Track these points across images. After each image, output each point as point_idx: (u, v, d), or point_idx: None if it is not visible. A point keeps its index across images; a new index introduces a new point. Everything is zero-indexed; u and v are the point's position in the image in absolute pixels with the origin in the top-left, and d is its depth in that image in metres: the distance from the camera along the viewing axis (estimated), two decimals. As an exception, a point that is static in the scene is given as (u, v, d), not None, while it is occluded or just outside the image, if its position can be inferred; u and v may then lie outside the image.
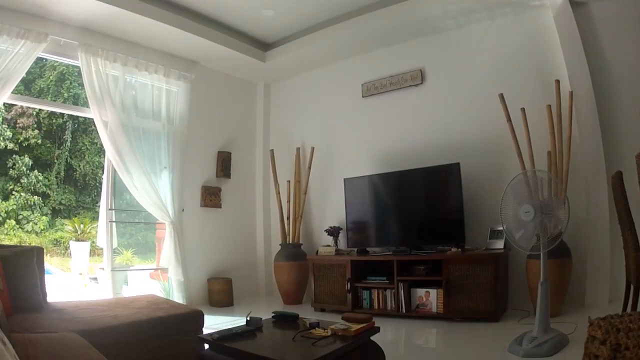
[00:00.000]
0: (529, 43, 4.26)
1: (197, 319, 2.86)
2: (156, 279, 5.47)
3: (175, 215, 4.90)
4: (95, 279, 7.13)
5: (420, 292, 4.22)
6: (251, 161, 6.05)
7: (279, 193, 5.51)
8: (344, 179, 4.93)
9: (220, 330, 2.38)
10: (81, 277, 7.65)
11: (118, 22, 4.29)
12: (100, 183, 9.75)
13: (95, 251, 9.04)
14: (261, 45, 5.45)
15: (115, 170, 4.63)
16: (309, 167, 5.36)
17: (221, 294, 5.14)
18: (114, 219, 4.78)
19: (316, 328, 2.40)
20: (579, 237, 3.89)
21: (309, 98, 5.78)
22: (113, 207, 4.78)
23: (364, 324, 2.44)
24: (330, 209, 5.42)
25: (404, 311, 4.22)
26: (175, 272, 4.84)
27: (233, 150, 5.73)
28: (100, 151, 10.25)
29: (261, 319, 2.58)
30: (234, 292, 5.27)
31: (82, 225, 9.29)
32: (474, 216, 4.31)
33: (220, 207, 5.55)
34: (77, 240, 9.09)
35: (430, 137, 4.73)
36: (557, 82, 3.91)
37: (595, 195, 3.86)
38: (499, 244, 4.07)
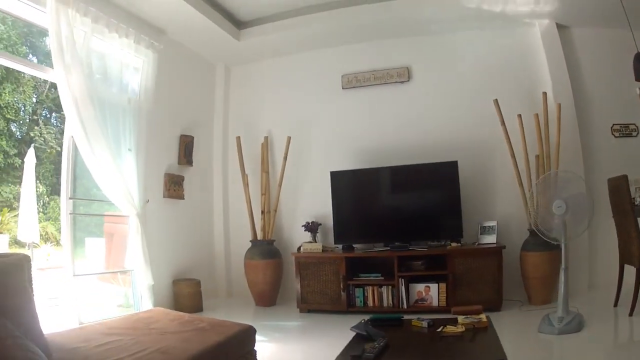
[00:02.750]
0: (515, 56, 4.68)
1: (250, 338, 2.40)
2: (115, 283, 4.55)
3: (140, 206, 4.13)
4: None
5: (420, 287, 4.28)
6: (209, 149, 5.40)
7: (247, 185, 4.99)
8: (331, 172, 4.69)
9: (355, 349, 2.01)
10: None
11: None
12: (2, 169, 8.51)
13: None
14: (235, 22, 4.91)
15: (75, 151, 3.80)
16: (285, 158, 4.97)
17: (189, 298, 4.50)
18: (73, 210, 3.87)
19: (446, 326, 2.30)
20: (562, 232, 4.40)
21: (279, 85, 5.39)
22: (74, 196, 3.87)
23: (482, 314, 2.44)
24: (303, 204, 5.14)
25: (405, 307, 4.24)
26: (145, 274, 4.11)
27: (195, 135, 5.04)
28: (2, 134, 8.94)
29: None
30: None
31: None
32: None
33: (183, 199, 4.85)
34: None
35: (416, 135, 4.82)
36: (545, 94, 4.37)
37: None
38: (490, 239, 4.35)
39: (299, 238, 4.94)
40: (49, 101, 10.10)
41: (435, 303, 4.23)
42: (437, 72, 4.84)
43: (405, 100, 4.89)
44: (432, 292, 4.26)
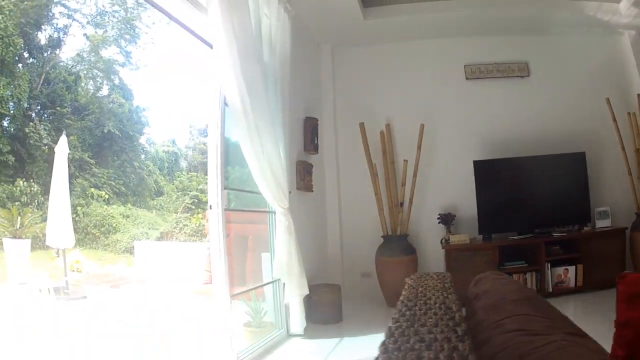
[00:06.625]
0: (610, 60, 5.21)
1: None
2: (244, 299, 3.75)
3: (289, 200, 3.48)
4: (65, 289, 4.80)
5: (559, 270, 4.58)
6: (320, 135, 4.79)
7: (376, 175, 4.65)
8: (474, 161, 4.70)
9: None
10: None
11: None
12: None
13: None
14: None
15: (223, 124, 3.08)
16: (419, 147, 4.72)
17: (330, 307, 3.98)
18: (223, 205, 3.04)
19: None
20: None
21: (397, 71, 5.13)
22: (227, 187, 3.14)
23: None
24: (429, 195, 4.96)
25: (551, 290, 4.49)
26: (299, 283, 3.48)
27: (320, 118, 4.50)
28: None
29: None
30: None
31: (19, 218, 6.82)
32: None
33: (312, 191, 4.30)
34: (14, 237, 6.52)
35: (534, 128, 5.03)
36: (639, 95, 5.02)
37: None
38: (606, 223, 4.84)
39: (427, 231, 4.83)
40: (43, 97, 9.44)
41: (572, 284, 4.57)
42: (551, 69, 5.14)
43: (525, 95, 5.09)
44: (570, 274, 4.59)
